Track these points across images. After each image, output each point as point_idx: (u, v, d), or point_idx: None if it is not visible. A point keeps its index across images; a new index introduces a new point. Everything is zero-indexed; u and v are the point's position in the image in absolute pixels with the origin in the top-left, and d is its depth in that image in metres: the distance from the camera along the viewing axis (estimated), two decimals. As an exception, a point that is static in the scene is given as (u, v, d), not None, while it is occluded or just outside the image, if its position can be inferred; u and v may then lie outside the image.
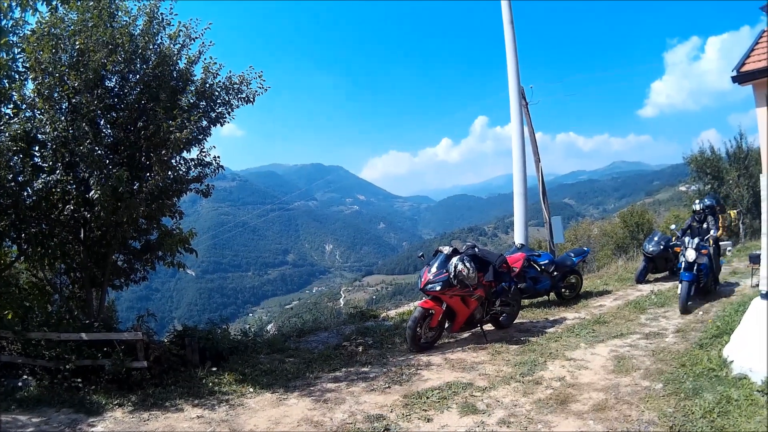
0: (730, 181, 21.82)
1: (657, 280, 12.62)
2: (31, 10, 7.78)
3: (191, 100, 7.72)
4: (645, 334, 7.96)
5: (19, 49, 7.55)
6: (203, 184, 8.40)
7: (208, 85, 7.89)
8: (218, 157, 8.27)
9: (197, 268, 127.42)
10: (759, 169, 20.96)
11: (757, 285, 9.76)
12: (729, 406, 4.84)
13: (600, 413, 5.16)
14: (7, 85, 7.56)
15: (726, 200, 21.69)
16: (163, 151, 7.29)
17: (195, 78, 7.94)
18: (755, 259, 9.98)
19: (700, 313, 8.84)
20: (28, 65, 7.27)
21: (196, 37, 7.93)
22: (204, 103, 7.92)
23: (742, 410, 4.73)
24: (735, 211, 20.50)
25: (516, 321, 9.30)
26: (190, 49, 7.95)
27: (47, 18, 7.28)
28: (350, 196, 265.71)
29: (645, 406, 5.22)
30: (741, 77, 6.12)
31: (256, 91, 8.18)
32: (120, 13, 7.63)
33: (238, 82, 8.02)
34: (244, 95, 8.12)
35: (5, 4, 7.53)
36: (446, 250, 8.42)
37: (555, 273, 10.80)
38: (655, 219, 26.89)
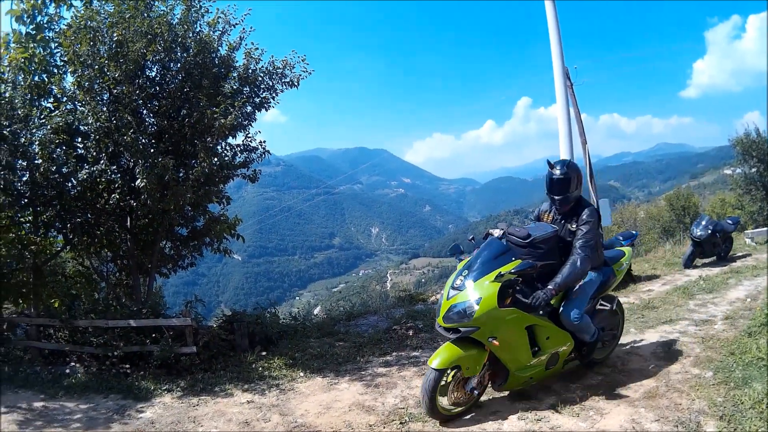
0: (777, 166, 20.81)
1: (705, 265, 12.21)
2: (65, 5, 7.83)
3: (234, 86, 7.69)
4: (694, 321, 7.67)
5: (56, 44, 7.64)
6: (250, 170, 8.38)
7: (250, 71, 7.85)
8: (264, 141, 8.26)
9: (243, 252, 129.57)
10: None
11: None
12: (778, 398, 4.61)
13: (651, 401, 4.96)
14: (46, 79, 7.67)
15: None
16: (208, 138, 7.31)
17: (237, 64, 7.91)
18: None
19: (748, 300, 8.48)
20: (66, 59, 7.37)
21: (236, 24, 7.91)
22: (247, 89, 7.88)
23: (791, 402, 4.48)
24: None
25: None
26: (230, 35, 7.93)
27: (82, 12, 7.33)
28: (395, 179, 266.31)
29: (695, 394, 5.01)
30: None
31: (300, 75, 8.09)
32: (157, 3, 7.66)
33: (281, 66, 7.96)
34: (287, 79, 8.05)
35: (39, 0, 7.56)
36: (497, 233, 8.14)
37: (604, 257, 10.45)
38: (701, 202, 26.13)
